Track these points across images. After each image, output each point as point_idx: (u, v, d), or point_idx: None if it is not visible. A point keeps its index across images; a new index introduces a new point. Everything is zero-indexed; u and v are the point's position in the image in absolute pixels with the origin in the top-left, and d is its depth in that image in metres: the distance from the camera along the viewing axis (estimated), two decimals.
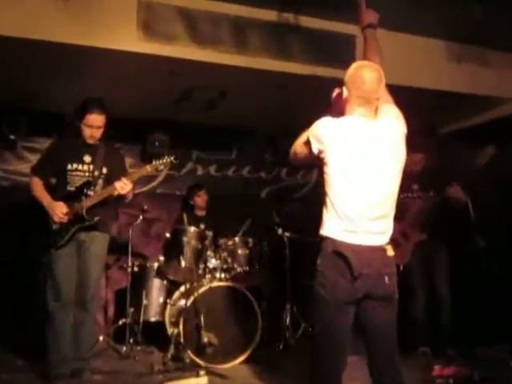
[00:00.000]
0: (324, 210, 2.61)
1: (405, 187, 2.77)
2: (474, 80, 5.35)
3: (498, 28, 4.83)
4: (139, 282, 5.14)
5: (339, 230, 2.55)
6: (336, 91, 2.71)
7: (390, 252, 2.56)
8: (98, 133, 4.05)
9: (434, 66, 5.22)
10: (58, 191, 4.05)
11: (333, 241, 2.54)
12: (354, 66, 2.70)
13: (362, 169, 2.55)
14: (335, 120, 2.58)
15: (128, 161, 5.08)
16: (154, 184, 6.36)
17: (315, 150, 2.59)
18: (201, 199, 5.86)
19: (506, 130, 5.83)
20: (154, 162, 4.07)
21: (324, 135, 2.55)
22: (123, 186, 3.90)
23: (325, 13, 4.75)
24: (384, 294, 2.53)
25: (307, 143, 2.60)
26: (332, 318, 2.51)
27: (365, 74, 2.62)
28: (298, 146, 2.67)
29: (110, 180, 4.03)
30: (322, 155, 2.57)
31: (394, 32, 5.07)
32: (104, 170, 4.10)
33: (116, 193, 3.93)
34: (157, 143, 5.95)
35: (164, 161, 4.08)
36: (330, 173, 2.56)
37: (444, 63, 5.28)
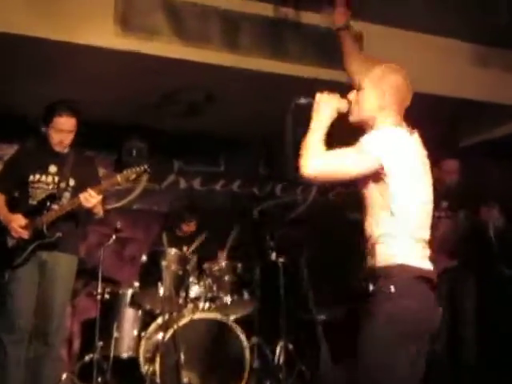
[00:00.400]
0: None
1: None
2: (501, 87, 5.40)
3: None
4: (110, 312, 5.10)
5: (419, 256, 2.53)
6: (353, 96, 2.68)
7: None
8: (68, 138, 4.06)
9: (456, 70, 5.28)
10: (19, 206, 4.05)
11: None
12: (395, 69, 2.70)
13: (426, 189, 2.58)
14: (393, 134, 2.52)
15: (101, 171, 5.07)
16: (129, 199, 6.36)
17: (373, 168, 2.47)
18: (188, 228, 5.81)
19: None
20: (125, 172, 4.07)
21: (388, 152, 2.46)
22: (88, 198, 3.88)
23: (328, 8, 4.80)
24: None
25: (361, 161, 2.48)
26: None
27: (409, 82, 2.68)
28: (339, 165, 2.58)
29: (78, 193, 4.02)
30: (387, 173, 2.46)
31: (412, 32, 5.14)
32: (71, 182, 4.11)
33: (82, 205, 3.91)
34: (134, 152, 5.96)
35: (137, 170, 4.08)
36: (398, 192, 2.48)
37: (468, 67, 5.33)
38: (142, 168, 4.09)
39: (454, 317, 4.87)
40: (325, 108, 2.63)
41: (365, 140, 2.48)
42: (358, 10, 4.78)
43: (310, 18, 4.81)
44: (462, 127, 6.05)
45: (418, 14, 4.81)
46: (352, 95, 2.66)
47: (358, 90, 2.65)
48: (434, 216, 2.70)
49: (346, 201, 7.20)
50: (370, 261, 2.53)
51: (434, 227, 2.70)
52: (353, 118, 2.67)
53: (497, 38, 5.08)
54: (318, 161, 2.50)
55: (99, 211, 4.10)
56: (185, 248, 5.38)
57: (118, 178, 4.06)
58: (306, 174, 2.49)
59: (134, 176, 4.11)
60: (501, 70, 5.37)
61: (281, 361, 5.27)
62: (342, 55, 3.06)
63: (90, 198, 3.89)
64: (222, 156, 6.76)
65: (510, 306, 5.09)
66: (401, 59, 5.05)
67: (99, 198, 3.95)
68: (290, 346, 5.36)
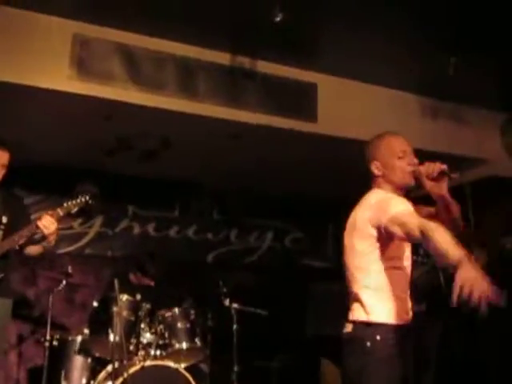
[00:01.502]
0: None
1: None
2: (450, 138, 5.56)
3: (474, 84, 5.08)
4: (58, 359, 4.95)
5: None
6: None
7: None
8: (0, 174, 3.98)
9: (405, 121, 5.42)
10: None
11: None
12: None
13: None
14: None
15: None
16: (82, 243, 6.26)
17: None
18: (145, 281, 5.70)
19: (484, 192, 6.00)
20: (65, 204, 4.03)
21: None
22: (46, 224, 3.82)
23: (284, 58, 4.91)
24: None
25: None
26: None
27: None
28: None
29: (11, 231, 3.92)
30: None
31: (361, 83, 5.27)
32: (4, 219, 4.02)
33: (39, 231, 3.84)
34: (87, 196, 5.87)
35: (78, 201, 4.04)
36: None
37: (417, 119, 5.48)
38: (84, 199, 4.06)
39: (417, 363, 4.88)
40: None
41: None
42: (311, 60, 4.96)
43: (265, 67, 4.90)
44: None
45: (370, 66, 4.96)
46: None
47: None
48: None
49: (301, 247, 7.25)
50: None
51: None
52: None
53: (446, 91, 5.24)
54: None
55: (53, 240, 4.02)
56: (137, 295, 5.30)
57: (59, 210, 4.01)
58: None
59: (75, 208, 4.07)
60: (450, 122, 5.53)
61: None
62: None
63: (49, 224, 3.83)
64: (177, 201, 6.74)
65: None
66: (352, 109, 5.25)
67: (56, 224, 3.88)
68: None
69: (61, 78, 4.29)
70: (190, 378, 4.68)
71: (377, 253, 2.66)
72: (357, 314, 2.70)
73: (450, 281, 4.57)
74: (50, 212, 4.04)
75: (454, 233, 2.57)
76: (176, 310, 5.14)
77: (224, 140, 5.12)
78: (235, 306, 5.47)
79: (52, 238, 4.01)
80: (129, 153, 5.51)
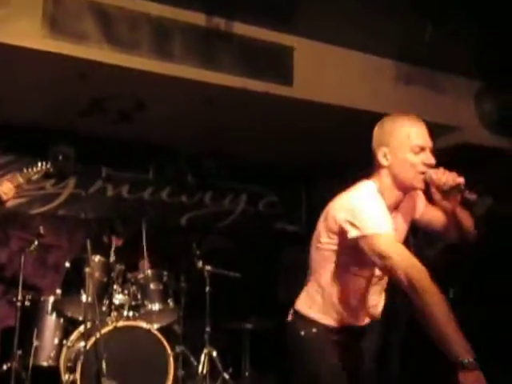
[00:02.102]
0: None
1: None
2: (425, 104, 5.56)
3: (450, 51, 5.08)
4: (30, 320, 4.97)
5: None
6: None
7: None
8: None
9: (380, 87, 5.43)
10: None
11: None
12: None
13: None
14: None
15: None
16: (55, 204, 6.22)
17: None
18: (116, 242, 5.65)
19: (456, 160, 6.05)
20: (25, 170, 4.00)
21: None
22: (6, 191, 3.80)
23: (261, 20, 4.86)
24: None
25: None
26: None
27: None
28: None
29: None
30: None
31: (338, 47, 5.25)
32: None
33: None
34: (60, 157, 5.81)
35: (38, 169, 4.02)
36: None
37: (392, 85, 5.48)
38: (44, 168, 4.03)
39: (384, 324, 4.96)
40: None
41: None
42: (289, 24, 4.92)
43: (241, 29, 4.85)
44: None
45: (347, 31, 4.94)
46: None
47: None
48: None
49: (275, 211, 7.29)
50: None
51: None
52: None
53: (421, 57, 5.25)
54: None
55: (9, 205, 4.01)
56: (110, 256, 5.29)
57: (19, 177, 3.98)
58: None
59: (36, 176, 4.04)
60: (424, 88, 5.54)
61: (205, 369, 5.25)
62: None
63: (8, 191, 3.81)
64: (151, 163, 6.71)
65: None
66: (328, 74, 5.24)
67: (14, 190, 3.87)
68: (215, 354, 5.34)
69: (33, 37, 4.20)
70: (162, 339, 4.73)
71: (336, 254, 2.45)
72: (299, 304, 2.64)
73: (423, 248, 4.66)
74: (9, 178, 4.01)
75: (462, 243, 2.51)
76: (149, 271, 5.17)
77: (198, 102, 5.08)
78: (208, 268, 5.51)
79: (9, 203, 3.99)
80: (103, 114, 5.44)
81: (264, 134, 5.89)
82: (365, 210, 2.28)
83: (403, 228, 2.56)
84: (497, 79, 5.70)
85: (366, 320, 2.64)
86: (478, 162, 5.99)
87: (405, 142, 2.35)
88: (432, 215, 2.62)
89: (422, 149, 2.36)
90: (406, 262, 2.15)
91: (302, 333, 2.55)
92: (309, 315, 2.57)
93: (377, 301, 2.62)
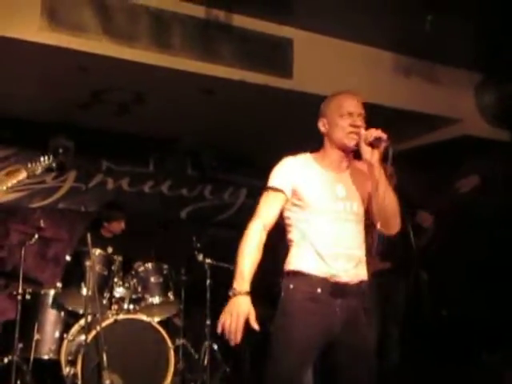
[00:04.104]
0: None
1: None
2: (422, 97, 5.55)
3: (450, 43, 5.05)
4: (31, 313, 4.94)
5: None
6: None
7: None
8: None
9: (379, 79, 5.40)
10: None
11: None
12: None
13: None
14: None
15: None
16: (55, 198, 6.20)
17: None
18: (118, 226, 5.64)
19: (452, 153, 6.04)
20: (29, 165, 3.99)
21: None
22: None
23: (260, 12, 4.83)
24: None
25: None
26: None
27: None
28: None
29: None
30: None
31: (337, 39, 5.22)
32: None
33: None
34: (60, 150, 5.80)
35: (42, 164, 4.01)
36: None
37: (391, 77, 5.45)
38: (48, 162, 4.01)
39: (383, 316, 4.94)
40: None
41: None
42: (288, 16, 4.90)
43: (241, 21, 4.83)
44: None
45: (347, 23, 4.91)
46: None
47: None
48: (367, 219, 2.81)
49: None
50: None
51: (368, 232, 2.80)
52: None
53: (420, 49, 5.22)
54: None
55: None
56: (110, 249, 5.29)
57: (24, 171, 3.97)
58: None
59: (39, 170, 4.03)
60: (423, 80, 5.52)
61: (205, 362, 5.25)
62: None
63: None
64: (152, 157, 6.69)
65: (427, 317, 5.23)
66: (328, 66, 5.21)
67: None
68: (215, 347, 5.34)
69: (32, 29, 4.19)
70: (163, 332, 4.72)
71: (294, 208, 2.74)
72: (285, 265, 2.75)
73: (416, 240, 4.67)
74: (12, 170, 4.03)
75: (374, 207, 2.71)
76: (149, 264, 5.15)
77: (198, 94, 5.07)
78: (208, 261, 5.50)
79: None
80: (103, 107, 5.43)
81: (264, 126, 5.87)
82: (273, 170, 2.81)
83: (357, 187, 2.79)
84: (497, 72, 5.69)
85: (350, 273, 2.68)
86: (477, 154, 5.99)
87: (337, 110, 2.73)
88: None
89: (350, 114, 2.69)
90: (258, 213, 2.74)
91: (282, 294, 2.71)
92: (289, 269, 2.72)
93: (353, 243, 2.73)
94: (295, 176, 2.73)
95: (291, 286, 2.67)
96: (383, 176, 2.65)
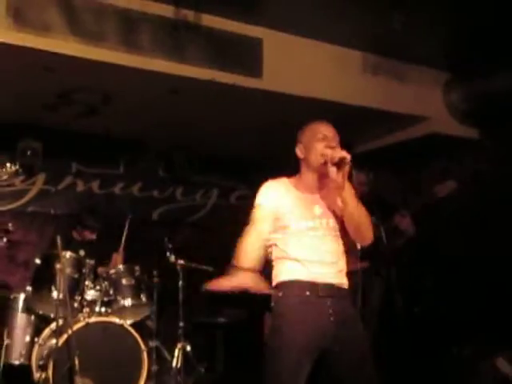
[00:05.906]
0: None
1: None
2: (390, 95, 5.58)
3: (418, 42, 5.09)
4: (0, 318, 4.89)
5: None
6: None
7: None
8: None
9: (348, 77, 5.41)
10: None
11: None
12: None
13: None
14: None
15: None
16: (23, 201, 6.12)
17: None
18: (90, 236, 5.55)
19: (421, 151, 6.09)
20: None
21: None
22: None
23: (229, 12, 4.81)
24: None
25: None
26: None
27: None
28: None
29: None
30: None
31: (306, 39, 5.22)
32: None
33: None
34: (28, 152, 5.74)
35: (8, 170, 3.95)
36: None
37: (360, 75, 5.47)
38: (13, 168, 3.95)
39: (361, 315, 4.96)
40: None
41: None
42: (257, 15, 4.88)
43: (209, 20, 4.80)
44: (353, 134, 6.20)
45: (315, 22, 4.91)
46: None
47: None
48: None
49: (247, 203, 7.25)
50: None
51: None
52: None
53: (387, 48, 5.25)
54: None
55: None
56: (82, 252, 5.21)
57: None
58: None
59: (5, 176, 3.97)
60: (390, 79, 5.55)
61: (179, 364, 5.21)
62: None
63: None
64: (122, 158, 6.64)
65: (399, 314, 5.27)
66: (297, 65, 5.21)
67: None
68: (188, 349, 5.30)
69: None
70: (136, 334, 4.68)
71: (275, 230, 2.87)
72: (272, 282, 2.83)
73: (391, 238, 4.70)
74: None
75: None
76: (120, 266, 5.11)
77: (166, 95, 5.03)
78: (181, 262, 5.47)
79: None
80: (71, 108, 5.36)
81: (234, 126, 5.85)
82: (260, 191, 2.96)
83: (330, 205, 2.88)
84: (465, 70, 5.73)
85: (334, 276, 2.80)
86: (446, 152, 6.04)
87: (313, 135, 2.86)
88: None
89: (325, 137, 2.82)
90: (244, 239, 2.86)
91: (272, 304, 2.79)
92: (276, 282, 2.81)
93: (333, 255, 2.83)
94: (278, 200, 2.87)
95: (280, 294, 2.76)
96: (350, 193, 2.75)
